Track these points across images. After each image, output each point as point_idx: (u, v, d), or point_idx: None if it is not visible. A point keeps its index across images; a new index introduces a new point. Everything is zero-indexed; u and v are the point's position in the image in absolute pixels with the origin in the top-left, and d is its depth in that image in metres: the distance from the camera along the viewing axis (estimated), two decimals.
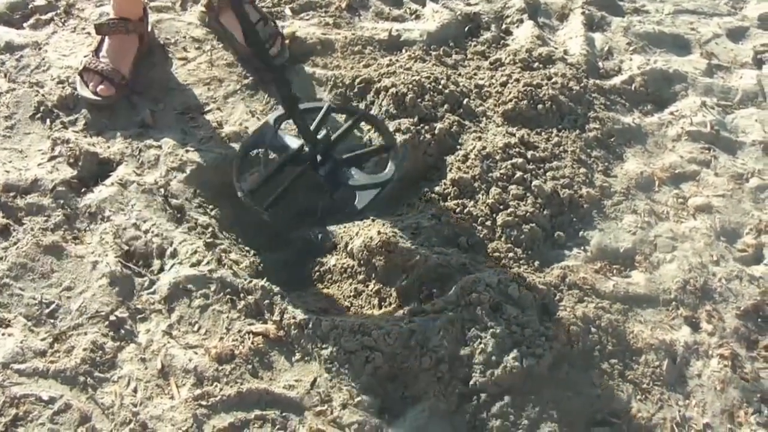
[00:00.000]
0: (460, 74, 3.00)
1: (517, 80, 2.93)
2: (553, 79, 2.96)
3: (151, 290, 2.21)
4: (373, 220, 2.48)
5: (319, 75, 2.91)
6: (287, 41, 2.99)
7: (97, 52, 2.80)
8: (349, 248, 2.37)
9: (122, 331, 2.12)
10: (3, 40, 2.92)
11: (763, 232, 2.64)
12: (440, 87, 2.83)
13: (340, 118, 2.69)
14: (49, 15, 3.05)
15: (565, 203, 2.58)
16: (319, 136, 2.26)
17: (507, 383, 2.07)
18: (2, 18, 3.02)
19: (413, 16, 3.32)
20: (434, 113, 2.75)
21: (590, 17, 3.44)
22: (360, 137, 2.66)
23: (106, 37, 2.81)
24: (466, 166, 2.59)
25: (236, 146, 2.59)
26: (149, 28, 2.95)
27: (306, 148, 2.26)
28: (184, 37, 3.02)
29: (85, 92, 2.72)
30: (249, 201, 2.18)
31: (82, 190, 2.45)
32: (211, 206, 2.50)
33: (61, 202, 2.39)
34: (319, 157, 2.26)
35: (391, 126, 2.66)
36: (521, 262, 2.40)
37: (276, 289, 2.25)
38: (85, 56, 2.81)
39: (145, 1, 2.96)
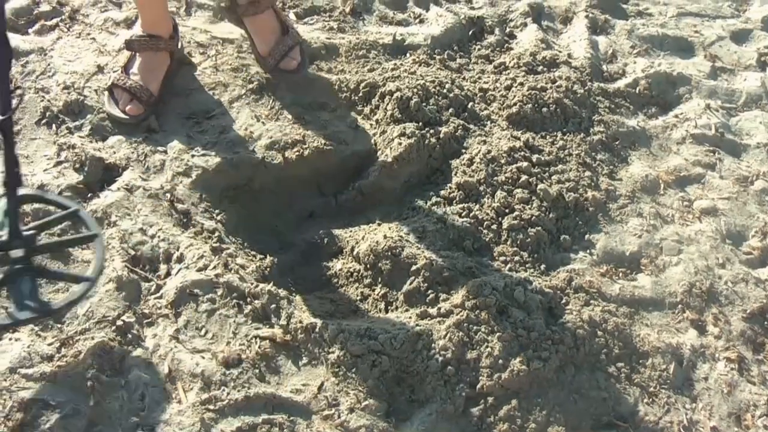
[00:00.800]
0: (464, 78, 3.01)
1: (522, 84, 2.93)
2: (558, 83, 2.97)
3: (158, 295, 2.21)
4: (379, 224, 2.48)
5: (323, 80, 2.91)
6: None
7: (126, 68, 2.78)
8: (355, 252, 2.37)
9: (129, 336, 2.11)
10: None
11: None
12: (445, 91, 2.83)
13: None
14: (54, 21, 3.05)
15: (570, 206, 2.58)
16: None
17: (514, 386, 2.08)
18: (7, 24, 3.02)
19: (417, 21, 3.33)
20: (439, 117, 2.75)
21: (594, 20, 3.44)
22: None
23: (137, 54, 2.79)
24: (471, 170, 2.59)
25: (234, 153, 2.60)
26: (179, 45, 2.94)
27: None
28: (189, 42, 3.02)
29: (114, 110, 2.70)
30: None
31: (88, 195, 2.45)
32: (216, 211, 2.50)
33: None
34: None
35: (396, 130, 2.66)
36: (527, 265, 2.40)
37: (282, 293, 2.25)
38: (114, 71, 2.81)
39: (175, 18, 2.95)
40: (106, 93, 2.74)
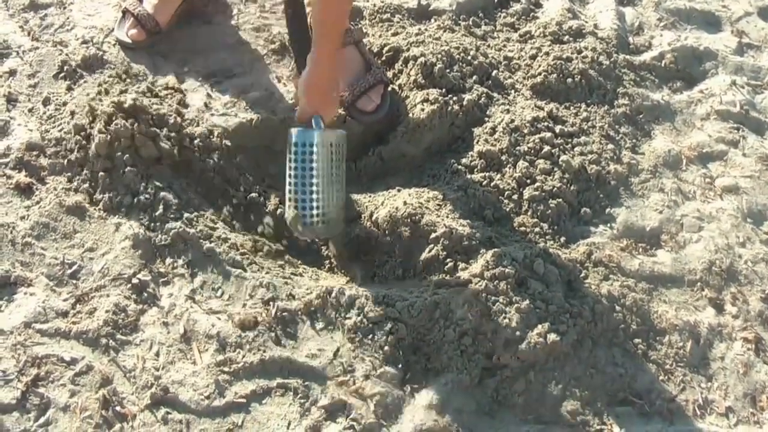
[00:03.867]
0: (489, 46, 2.97)
1: (547, 53, 2.89)
2: (583, 53, 2.92)
3: (175, 254, 2.20)
4: (399, 191, 2.46)
5: None
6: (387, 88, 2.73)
7: None
8: (374, 218, 2.35)
9: (145, 294, 2.11)
10: None
11: None
12: (469, 58, 2.79)
13: None
14: None
15: (592, 179, 2.55)
16: None
17: (530, 359, 2.06)
18: None
19: None
20: (463, 84, 2.72)
21: None
22: None
23: None
24: (493, 139, 2.56)
25: (254, 114, 2.58)
26: None
27: None
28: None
29: (119, 32, 2.79)
30: None
31: None
32: (236, 171, 2.49)
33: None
34: None
35: (419, 96, 2.63)
36: (547, 237, 2.38)
37: (300, 257, 2.24)
38: None
39: None
40: (120, 15, 2.82)
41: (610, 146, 2.67)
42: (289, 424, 1.92)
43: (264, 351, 2.01)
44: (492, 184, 2.46)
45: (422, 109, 2.59)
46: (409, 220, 2.29)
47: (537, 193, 2.45)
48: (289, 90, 2.68)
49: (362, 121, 2.64)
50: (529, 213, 2.43)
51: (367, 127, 2.63)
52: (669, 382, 2.15)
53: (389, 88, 2.70)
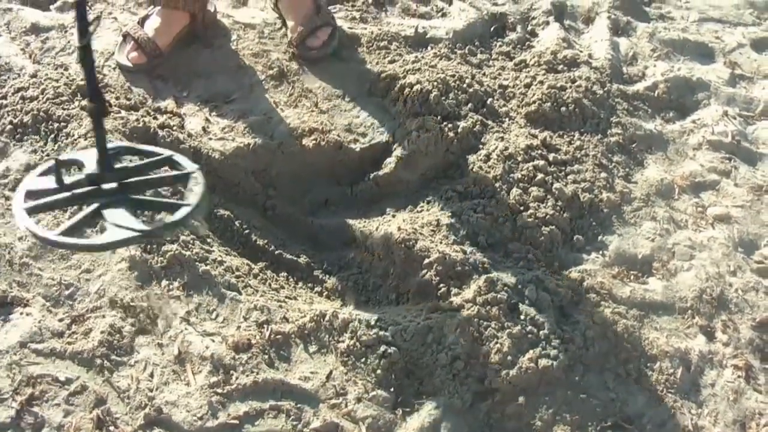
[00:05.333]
0: (484, 74, 3.00)
1: (541, 82, 2.93)
2: (577, 83, 2.95)
3: (170, 276, 2.21)
4: (394, 216, 2.48)
5: (344, 69, 2.91)
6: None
7: (144, 20, 2.88)
8: (368, 243, 2.37)
9: (140, 316, 2.12)
10: (29, 22, 2.94)
11: None
12: (465, 86, 2.83)
13: None
14: None
15: (585, 207, 2.57)
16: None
17: (522, 384, 2.07)
18: (28, 0, 3.03)
19: (440, 14, 3.32)
20: (458, 112, 2.75)
21: (616, 22, 3.43)
22: None
23: (157, 8, 2.88)
24: (487, 166, 2.59)
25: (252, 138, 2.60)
26: (213, 9, 3.01)
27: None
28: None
29: (119, 56, 2.83)
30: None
31: None
32: (232, 195, 2.50)
33: None
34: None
35: (415, 123, 2.66)
36: (540, 263, 2.40)
37: (294, 280, 2.25)
38: (134, 21, 2.90)
39: None
40: (121, 39, 2.87)
41: (603, 175, 2.69)
42: None
43: (257, 373, 2.02)
44: (486, 210, 2.48)
45: (418, 136, 2.62)
46: (403, 245, 2.31)
47: (530, 220, 2.47)
48: (286, 116, 2.70)
49: (308, 57, 2.88)
50: (522, 239, 2.45)
51: (361, 152, 2.66)
52: (660, 407, 2.16)
53: (337, 31, 2.95)
